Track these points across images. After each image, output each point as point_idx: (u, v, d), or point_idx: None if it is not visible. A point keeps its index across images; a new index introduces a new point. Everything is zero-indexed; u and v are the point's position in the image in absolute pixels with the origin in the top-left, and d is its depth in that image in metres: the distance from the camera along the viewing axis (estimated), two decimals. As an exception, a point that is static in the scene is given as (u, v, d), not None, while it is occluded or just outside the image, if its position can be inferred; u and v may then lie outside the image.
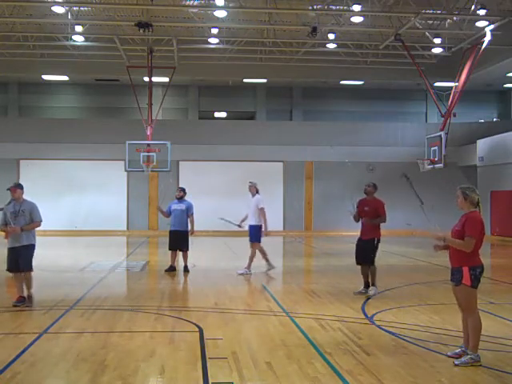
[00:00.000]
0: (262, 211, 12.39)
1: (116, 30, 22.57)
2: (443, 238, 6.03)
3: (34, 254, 8.98)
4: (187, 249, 12.74)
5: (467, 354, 5.89)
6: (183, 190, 13.01)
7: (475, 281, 5.86)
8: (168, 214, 12.81)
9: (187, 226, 12.70)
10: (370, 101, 29.84)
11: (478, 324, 5.88)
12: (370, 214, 9.78)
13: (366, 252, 9.82)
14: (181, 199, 12.77)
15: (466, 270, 5.86)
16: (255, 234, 12.47)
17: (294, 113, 30.21)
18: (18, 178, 26.35)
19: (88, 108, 29.86)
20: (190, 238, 12.88)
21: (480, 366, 5.78)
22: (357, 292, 9.86)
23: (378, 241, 9.84)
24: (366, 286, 9.87)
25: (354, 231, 27.40)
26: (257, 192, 12.62)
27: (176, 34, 22.81)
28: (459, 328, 7.40)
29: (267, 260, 12.76)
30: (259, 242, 12.53)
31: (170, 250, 12.87)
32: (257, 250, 12.60)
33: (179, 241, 12.61)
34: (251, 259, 12.53)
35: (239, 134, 27.18)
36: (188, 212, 12.61)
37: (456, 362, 5.85)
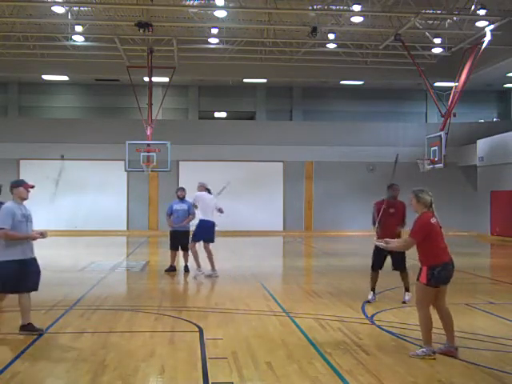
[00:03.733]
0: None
1: (116, 30, 22.55)
2: (385, 243, 6.58)
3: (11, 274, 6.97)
4: (188, 249, 12.73)
5: (421, 347, 6.17)
6: (184, 189, 13.07)
7: (432, 279, 6.08)
8: (169, 214, 12.82)
9: (189, 226, 12.72)
10: (370, 101, 29.83)
11: (425, 321, 6.13)
12: (398, 217, 9.28)
13: (400, 257, 9.20)
14: (183, 199, 12.81)
15: (424, 269, 6.15)
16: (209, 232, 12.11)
17: (294, 113, 30.21)
18: (18, 178, 26.38)
19: (88, 108, 29.85)
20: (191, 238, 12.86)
21: (434, 359, 5.97)
22: (372, 300, 9.30)
23: None
24: (407, 290, 9.29)
25: (354, 231, 27.36)
26: (208, 191, 12.38)
27: (176, 34, 22.79)
28: (459, 328, 7.41)
29: (198, 263, 12.26)
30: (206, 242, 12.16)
31: (171, 249, 12.86)
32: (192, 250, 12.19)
33: (181, 241, 12.60)
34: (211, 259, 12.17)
35: (239, 134, 27.17)
36: (190, 212, 12.62)
37: (410, 354, 6.13)
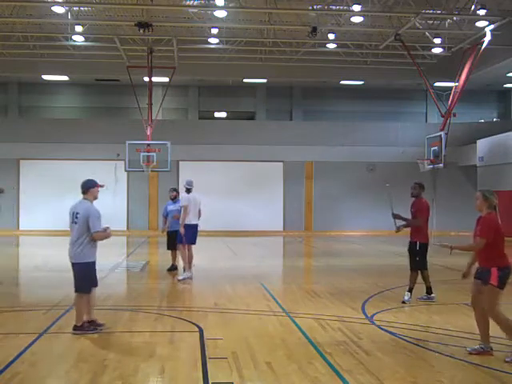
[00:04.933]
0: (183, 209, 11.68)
1: (116, 30, 22.56)
2: (450, 247, 6.31)
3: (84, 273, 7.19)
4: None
5: (481, 344, 6.13)
6: (175, 189, 13.10)
7: (502, 281, 6.01)
8: (164, 216, 12.86)
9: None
10: (370, 101, 29.83)
11: (505, 319, 6.02)
12: (413, 215, 9.37)
13: (412, 256, 9.35)
14: (174, 199, 12.81)
15: (494, 271, 6.00)
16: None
17: (294, 113, 30.22)
18: (18, 178, 26.40)
19: (88, 108, 29.86)
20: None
21: (491, 355, 5.98)
22: (406, 300, 9.22)
23: (423, 245, 9.25)
24: (409, 290, 9.26)
25: (354, 231, 27.39)
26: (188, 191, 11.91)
27: (176, 34, 22.79)
28: (459, 328, 7.42)
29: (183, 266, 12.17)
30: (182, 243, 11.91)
31: (168, 249, 12.91)
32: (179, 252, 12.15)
33: (175, 241, 12.59)
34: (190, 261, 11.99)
35: (239, 134, 27.18)
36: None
37: (468, 349, 6.05)
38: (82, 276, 7.12)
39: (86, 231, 7.04)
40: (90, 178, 7.62)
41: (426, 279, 9.34)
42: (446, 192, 25.58)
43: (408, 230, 9.50)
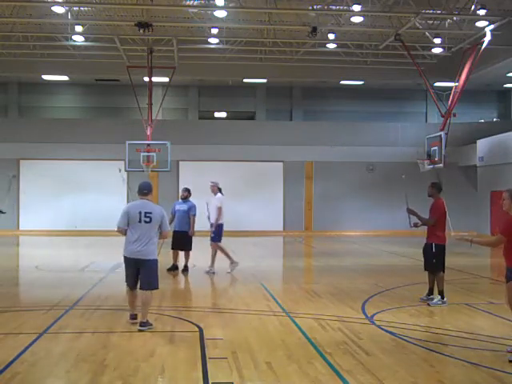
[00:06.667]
0: (219, 210, 12.72)
1: (116, 30, 22.55)
2: (470, 241, 6.38)
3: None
4: (190, 249, 12.73)
5: None
6: (188, 190, 13.11)
7: None
8: (173, 214, 12.81)
9: (190, 227, 12.68)
10: (370, 101, 29.82)
11: None
12: (429, 215, 9.17)
13: (426, 257, 9.19)
14: (185, 199, 12.83)
15: None
16: (216, 233, 12.62)
17: (294, 113, 30.21)
18: (18, 178, 26.39)
19: (88, 108, 29.84)
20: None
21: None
22: (421, 298, 9.28)
23: (439, 247, 9.01)
24: (429, 292, 9.23)
25: (354, 231, 27.40)
26: (219, 191, 13.10)
27: (176, 34, 22.78)
28: (459, 328, 7.42)
29: (230, 258, 12.79)
30: (219, 241, 12.62)
31: (172, 249, 12.88)
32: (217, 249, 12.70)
33: (182, 241, 12.59)
34: (214, 258, 12.69)
35: (239, 134, 27.16)
36: (190, 212, 12.62)
37: (510, 358, 5.92)
38: (155, 272, 7.37)
39: (157, 230, 7.35)
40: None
41: (439, 282, 9.04)
42: (446, 192, 25.52)
43: (423, 230, 9.36)
